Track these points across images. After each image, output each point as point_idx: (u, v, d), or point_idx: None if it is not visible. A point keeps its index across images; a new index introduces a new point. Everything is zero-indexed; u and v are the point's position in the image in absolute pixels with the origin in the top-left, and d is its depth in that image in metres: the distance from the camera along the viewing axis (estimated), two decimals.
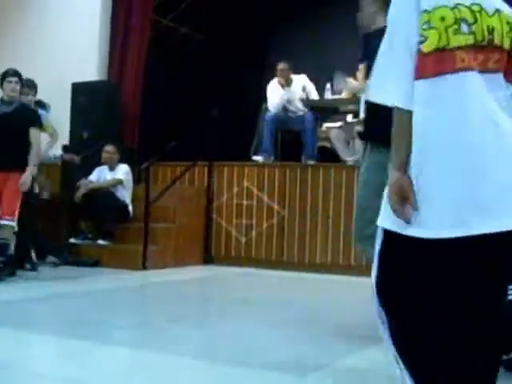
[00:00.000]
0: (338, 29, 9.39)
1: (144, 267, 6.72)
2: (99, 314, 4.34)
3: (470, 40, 1.81)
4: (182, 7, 9.36)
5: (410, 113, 1.82)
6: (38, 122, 5.94)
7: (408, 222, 1.80)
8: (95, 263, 6.78)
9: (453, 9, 1.82)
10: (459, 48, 1.80)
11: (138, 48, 8.58)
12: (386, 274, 1.86)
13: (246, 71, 9.64)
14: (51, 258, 6.66)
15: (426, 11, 1.81)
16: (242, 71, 9.66)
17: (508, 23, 1.86)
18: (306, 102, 7.95)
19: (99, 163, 7.47)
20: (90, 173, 7.40)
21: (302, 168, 7.40)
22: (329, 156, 7.79)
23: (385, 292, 1.86)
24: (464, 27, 1.81)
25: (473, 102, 1.80)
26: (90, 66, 8.42)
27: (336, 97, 8.00)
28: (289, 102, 7.95)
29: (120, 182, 7.26)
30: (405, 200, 1.80)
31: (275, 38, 10.16)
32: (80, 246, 7.11)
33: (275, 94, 7.98)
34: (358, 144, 7.51)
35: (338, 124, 8.03)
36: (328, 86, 8.02)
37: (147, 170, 7.13)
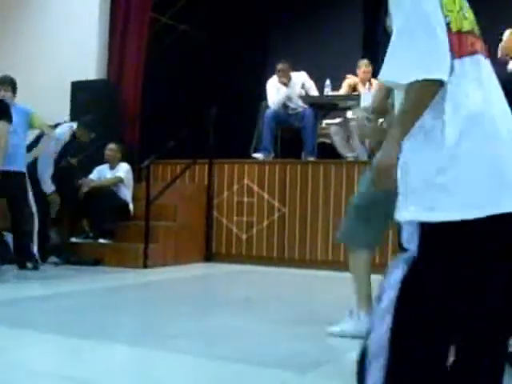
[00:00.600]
0: (337, 27, 9.41)
1: (145, 266, 6.72)
2: (100, 313, 4.34)
3: (470, 27, 1.88)
4: (181, 4, 9.35)
5: (437, 84, 1.75)
6: (5, 115, 5.67)
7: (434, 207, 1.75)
8: (96, 262, 6.78)
9: None
10: (468, 32, 1.86)
11: (137, 46, 8.58)
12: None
13: (245, 69, 9.63)
14: (53, 258, 6.67)
15: None
16: (241, 69, 9.65)
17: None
18: (306, 98, 7.95)
19: (99, 162, 7.48)
20: (90, 172, 7.42)
21: (303, 165, 7.40)
22: (329, 152, 7.80)
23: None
24: (465, 14, 1.88)
25: (489, 82, 1.86)
26: (90, 65, 8.42)
27: (335, 93, 8.00)
28: (289, 99, 7.95)
29: (121, 180, 7.27)
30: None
31: (275, 35, 10.16)
32: (81, 244, 7.11)
33: (275, 91, 7.97)
34: (357, 140, 7.53)
35: (338, 120, 8.04)
36: (327, 82, 8.03)
37: (147, 169, 7.12)
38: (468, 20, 1.87)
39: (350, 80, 8.13)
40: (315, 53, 9.18)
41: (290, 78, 7.92)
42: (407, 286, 1.77)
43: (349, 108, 7.81)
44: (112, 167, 7.41)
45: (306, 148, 7.71)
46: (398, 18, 1.83)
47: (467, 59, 1.82)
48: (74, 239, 7.17)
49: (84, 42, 8.42)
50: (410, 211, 1.80)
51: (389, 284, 1.81)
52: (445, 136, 1.77)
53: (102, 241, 7.05)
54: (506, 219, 1.76)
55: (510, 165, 1.77)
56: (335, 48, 9.18)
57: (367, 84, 8.02)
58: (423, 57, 1.75)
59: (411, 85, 1.76)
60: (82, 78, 8.13)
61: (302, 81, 7.98)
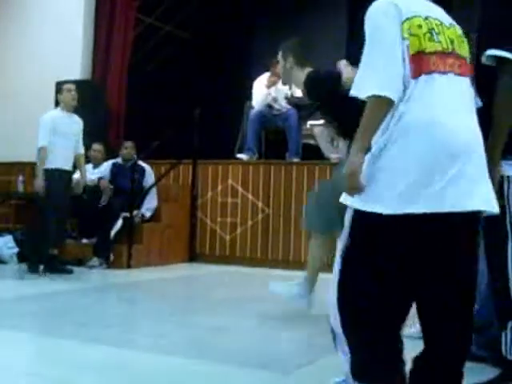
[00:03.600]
0: (322, 28, 9.45)
1: (128, 266, 6.72)
2: (84, 313, 4.34)
3: (439, 47, 2.08)
4: (166, 6, 9.35)
5: (386, 101, 1.98)
6: None
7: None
8: (81, 262, 6.74)
9: (425, 19, 2.09)
10: (432, 53, 2.06)
11: (121, 46, 8.57)
12: (357, 245, 2.07)
13: (230, 69, 9.65)
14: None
15: (407, 19, 2.06)
16: (226, 69, 9.67)
17: (459, 36, 2.18)
18: (290, 99, 7.96)
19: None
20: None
21: (287, 166, 7.43)
22: (313, 153, 7.82)
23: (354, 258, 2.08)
24: (434, 36, 2.09)
25: (440, 98, 2.04)
26: (74, 65, 8.40)
27: None
28: (275, 100, 7.97)
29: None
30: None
31: (260, 35, 10.17)
32: (64, 244, 7.07)
33: (262, 91, 7.96)
34: (342, 142, 7.56)
35: (322, 121, 8.05)
36: None
37: (132, 169, 7.12)
38: (436, 42, 2.06)
39: None
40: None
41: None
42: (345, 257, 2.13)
43: None
44: (95, 166, 7.40)
45: (290, 149, 7.73)
46: (366, 41, 2.08)
47: (423, 78, 2.03)
48: None
49: (69, 43, 8.40)
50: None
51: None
52: (378, 141, 2.03)
53: (85, 241, 7.03)
54: (415, 220, 1.95)
55: (433, 177, 1.95)
56: (319, 49, 9.18)
57: None
58: (377, 75, 2.01)
59: (367, 100, 2.02)
60: (67, 78, 8.09)
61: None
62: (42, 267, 6.13)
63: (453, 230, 2.00)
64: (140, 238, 6.98)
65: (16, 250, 6.93)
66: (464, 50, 2.15)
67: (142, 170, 7.43)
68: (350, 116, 3.97)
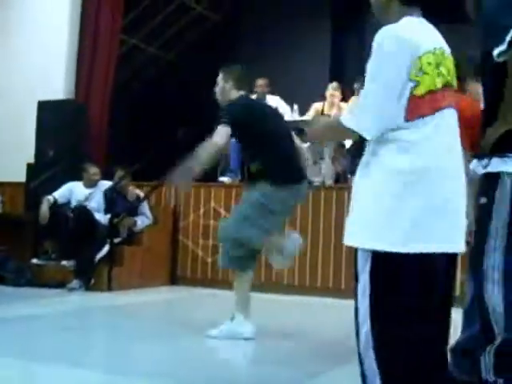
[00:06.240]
0: (307, 54, 9.56)
1: (109, 288, 6.63)
2: (64, 337, 4.26)
3: (444, 80, 2.06)
4: (151, 27, 9.37)
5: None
6: None
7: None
8: (60, 285, 6.64)
9: (433, 53, 2.03)
10: (439, 89, 2.03)
11: (105, 67, 8.54)
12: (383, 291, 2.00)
13: (214, 90, 9.65)
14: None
15: (419, 57, 1.98)
16: (210, 90, 9.66)
17: (453, 63, 2.15)
18: None
19: (64, 182, 7.37)
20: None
21: None
22: None
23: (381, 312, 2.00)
24: (441, 69, 2.05)
25: (455, 133, 2.08)
26: (57, 85, 8.35)
27: (303, 118, 8.05)
28: None
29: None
30: None
31: (244, 57, 10.20)
32: (44, 266, 6.99)
33: None
34: (326, 165, 7.58)
35: (305, 145, 8.06)
36: (295, 107, 8.07)
37: (114, 190, 7.07)
38: (442, 76, 2.04)
39: (317, 104, 8.21)
40: (283, 78, 9.25)
41: (265, 99, 7.95)
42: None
43: None
44: (88, 185, 7.28)
45: None
46: (370, 68, 2.03)
47: (442, 113, 2.03)
48: (35, 261, 7.05)
49: (52, 62, 8.36)
50: None
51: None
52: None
53: (65, 263, 6.93)
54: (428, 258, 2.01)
55: (427, 216, 1.99)
56: (304, 74, 9.28)
57: (335, 107, 8.07)
58: (371, 113, 2.00)
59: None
60: (50, 97, 8.05)
61: (275, 105, 8.02)
62: None
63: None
64: (121, 261, 6.90)
65: None
66: (455, 78, 2.15)
67: (138, 197, 7.39)
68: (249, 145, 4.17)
